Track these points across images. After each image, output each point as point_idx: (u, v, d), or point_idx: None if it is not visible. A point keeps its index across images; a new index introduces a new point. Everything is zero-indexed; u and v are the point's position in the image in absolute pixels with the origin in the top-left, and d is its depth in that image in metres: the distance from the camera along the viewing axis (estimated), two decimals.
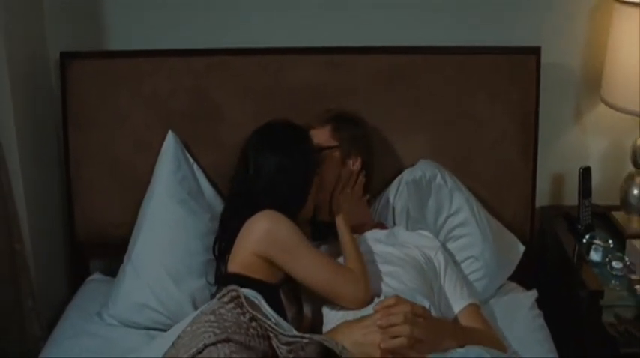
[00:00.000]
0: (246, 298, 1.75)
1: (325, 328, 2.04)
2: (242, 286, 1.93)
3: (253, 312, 1.69)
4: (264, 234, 2.03)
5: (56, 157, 2.74)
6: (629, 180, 2.68)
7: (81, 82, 2.58)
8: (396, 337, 1.85)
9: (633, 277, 2.42)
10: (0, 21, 2.34)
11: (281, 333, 1.67)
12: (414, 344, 1.85)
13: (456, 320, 2.17)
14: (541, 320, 2.42)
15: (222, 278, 2.09)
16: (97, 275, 2.63)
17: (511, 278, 2.61)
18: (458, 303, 2.21)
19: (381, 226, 2.42)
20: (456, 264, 2.38)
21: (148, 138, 2.54)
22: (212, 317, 1.71)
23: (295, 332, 1.69)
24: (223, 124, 2.56)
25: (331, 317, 2.07)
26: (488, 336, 2.11)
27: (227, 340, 1.64)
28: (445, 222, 2.47)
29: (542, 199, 2.84)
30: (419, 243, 2.31)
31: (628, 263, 2.47)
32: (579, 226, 2.64)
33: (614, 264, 2.47)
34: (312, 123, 2.39)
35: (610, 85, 2.62)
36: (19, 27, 2.49)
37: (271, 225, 2.04)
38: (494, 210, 2.61)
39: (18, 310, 2.44)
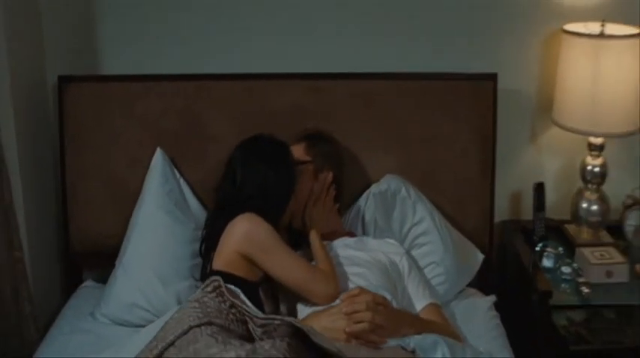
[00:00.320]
0: (227, 288, 1.96)
1: None
2: (225, 283, 2.14)
3: (232, 299, 1.91)
4: (245, 235, 2.24)
5: (53, 173, 2.92)
6: (579, 194, 2.89)
7: (77, 104, 2.77)
8: (359, 322, 2.06)
9: (580, 280, 2.63)
10: (3, 49, 2.54)
11: (256, 317, 1.88)
12: (375, 330, 2.06)
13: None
14: (497, 321, 2.61)
15: (207, 276, 2.26)
16: (89, 283, 2.81)
17: (472, 286, 2.80)
18: (420, 302, 2.41)
19: (351, 234, 2.62)
20: (420, 268, 2.57)
21: (139, 156, 2.73)
22: (196, 305, 1.92)
23: (268, 315, 1.90)
24: (209, 143, 2.75)
25: (304, 313, 2.27)
26: (446, 328, 2.30)
27: (209, 323, 1.85)
28: (409, 231, 2.67)
29: (502, 214, 3.05)
30: (385, 249, 2.51)
31: (576, 268, 2.69)
32: (534, 237, 2.83)
33: (563, 269, 2.68)
34: (289, 139, 2.60)
35: (560, 108, 2.83)
36: (21, 53, 2.69)
37: (251, 227, 2.26)
38: (456, 222, 2.81)
39: (16, 314, 2.60)
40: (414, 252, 2.63)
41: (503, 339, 2.51)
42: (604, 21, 2.77)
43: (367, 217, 2.70)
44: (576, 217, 2.90)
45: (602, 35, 2.72)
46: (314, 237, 2.41)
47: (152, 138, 2.75)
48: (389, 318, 2.11)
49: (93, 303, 2.62)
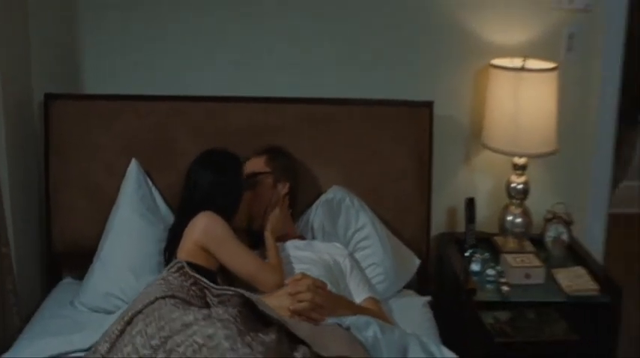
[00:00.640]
0: (188, 267, 2.30)
1: None
2: None
3: (192, 274, 2.24)
4: (204, 229, 2.59)
5: (37, 180, 3.18)
6: (505, 209, 3.23)
7: (61, 119, 3.05)
8: (301, 302, 2.40)
9: (502, 280, 2.98)
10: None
11: (213, 287, 2.21)
12: (315, 308, 2.39)
13: None
14: (430, 316, 2.92)
15: None
16: (68, 279, 3.09)
17: (412, 288, 3.11)
18: (360, 296, 2.72)
19: (301, 238, 2.96)
20: (361, 269, 2.88)
21: (116, 166, 3.02)
22: (162, 282, 2.24)
23: (223, 286, 2.24)
24: (177, 156, 3.02)
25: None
26: (379, 315, 2.60)
27: (172, 296, 2.16)
28: (353, 235, 3.00)
29: (439, 227, 3.37)
30: (330, 251, 2.83)
31: (499, 271, 3.02)
32: (466, 246, 3.17)
33: (488, 271, 3.01)
34: (251, 153, 2.95)
35: (488, 132, 3.17)
36: (11, 74, 2.97)
37: (209, 222, 2.61)
38: (396, 231, 3.11)
39: (1, 303, 2.83)
40: (356, 254, 2.94)
41: (433, 330, 2.82)
42: (525, 57, 3.13)
43: (316, 223, 3.03)
44: (503, 229, 3.24)
45: (523, 69, 3.07)
46: (268, 237, 2.75)
47: (127, 150, 3.04)
48: (327, 300, 2.44)
49: (72, 295, 2.91)
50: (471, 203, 3.21)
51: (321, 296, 2.43)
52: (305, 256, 2.77)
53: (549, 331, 2.95)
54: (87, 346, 2.48)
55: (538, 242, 3.25)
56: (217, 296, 2.18)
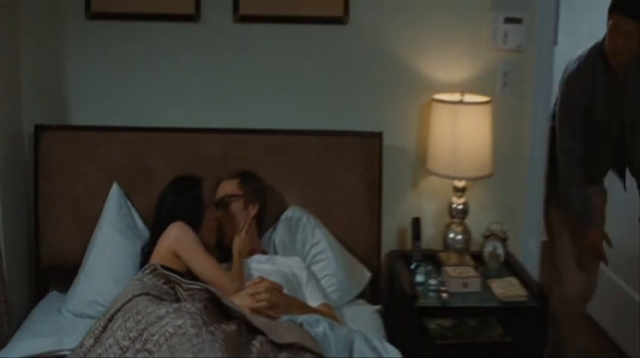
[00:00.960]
0: (161, 268, 2.64)
1: None
2: None
3: (165, 272, 2.58)
4: (175, 235, 2.96)
5: (27, 202, 3.49)
6: (448, 227, 3.59)
7: (50, 148, 3.37)
8: (260, 301, 2.75)
9: (442, 288, 3.33)
10: None
11: (184, 282, 2.56)
12: (272, 307, 2.75)
13: None
14: (378, 321, 3.24)
15: None
16: (54, 292, 3.40)
17: (364, 299, 3.44)
18: (315, 302, 3.04)
19: (264, 252, 3.30)
20: (317, 280, 3.20)
21: (99, 189, 3.34)
22: (137, 282, 2.56)
23: (192, 281, 2.59)
24: (153, 181, 3.32)
25: None
26: (331, 316, 2.93)
27: (147, 293, 2.50)
28: (309, 250, 3.34)
29: (390, 245, 3.69)
30: (289, 264, 3.17)
31: (441, 280, 3.37)
32: (412, 261, 3.53)
33: (430, 281, 3.35)
34: (225, 176, 3.28)
35: (432, 159, 3.51)
36: (5, 108, 3.30)
37: (180, 230, 2.98)
38: (349, 248, 3.44)
39: None
40: (313, 267, 3.28)
41: (381, 333, 3.13)
42: (463, 92, 3.51)
43: (277, 239, 3.37)
44: (446, 245, 3.60)
45: (461, 102, 3.45)
46: (235, 253, 3.10)
47: (109, 175, 3.36)
48: (283, 300, 2.80)
49: (58, 305, 3.23)
50: (416, 222, 3.57)
51: (277, 296, 2.79)
52: (266, 269, 3.10)
53: (486, 334, 3.33)
54: (75, 346, 2.77)
55: (478, 257, 3.59)
56: (187, 290, 2.52)
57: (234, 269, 3.04)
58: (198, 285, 2.53)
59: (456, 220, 3.58)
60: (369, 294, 3.52)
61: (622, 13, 3.50)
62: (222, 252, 3.21)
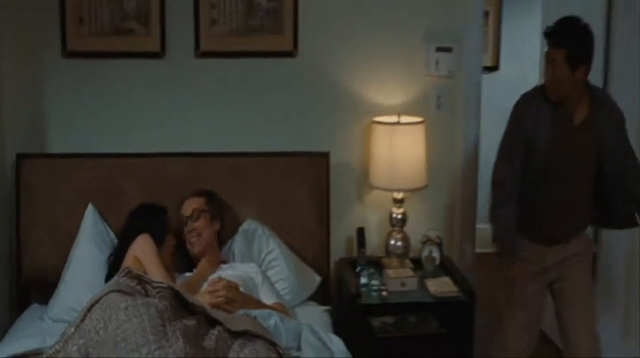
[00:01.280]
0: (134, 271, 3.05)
1: None
2: None
3: (137, 273, 2.97)
4: (140, 244, 3.39)
5: (8, 222, 3.82)
6: (389, 235, 3.99)
7: (31, 173, 3.73)
8: (218, 298, 3.15)
9: (383, 288, 3.73)
10: None
11: (153, 282, 2.95)
12: (229, 303, 3.14)
13: None
14: (327, 319, 3.63)
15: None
16: (35, 305, 3.73)
17: (316, 301, 3.83)
18: (269, 301, 3.41)
19: (225, 262, 3.70)
20: (271, 283, 3.59)
21: (74, 210, 3.71)
22: (114, 282, 2.97)
23: (161, 282, 2.99)
24: (125, 201, 3.70)
25: None
26: (283, 312, 3.32)
27: (119, 291, 2.89)
28: (265, 257, 3.73)
29: (339, 253, 4.07)
30: (246, 269, 3.55)
31: (382, 281, 3.77)
32: (358, 266, 3.93)
33: (372, 282, 3.75)
34: (189, 195, 3.67)
35: (374, 174, 3.91)
36: None
37: (144, 241, 3.41)
38: (301, 255, 3.83)
39: None
40: (267, 272, 3.67)
41: (329, 328, 3.51)
42: (399, 114, 3.94)
43: (236, 249, 3.76)
44: (388, 251, 4.00)
45: (398, 123, 3.88)
46: (199, 269, 3.52)
47: (84, 197, 3.74)
48: (239, 296, 3.21)
49: (40, 314, 3.59)
50: (361, 231, 3.99)
51: (234, 293, 3.19)
52: (226, 274, 3.48)
53: (424, 328, 3.75)
54: None
55: (417, 261, 3.99)
56: (156, 288, 2.92)
57: (188, 282, 3.42)
58: (165, 285, 2.93)
59: (396, 228, 3.98)
60: (320, 297, 3.90)
61: (548, 42, 3.35)
62: (186, 261, 3.61)
